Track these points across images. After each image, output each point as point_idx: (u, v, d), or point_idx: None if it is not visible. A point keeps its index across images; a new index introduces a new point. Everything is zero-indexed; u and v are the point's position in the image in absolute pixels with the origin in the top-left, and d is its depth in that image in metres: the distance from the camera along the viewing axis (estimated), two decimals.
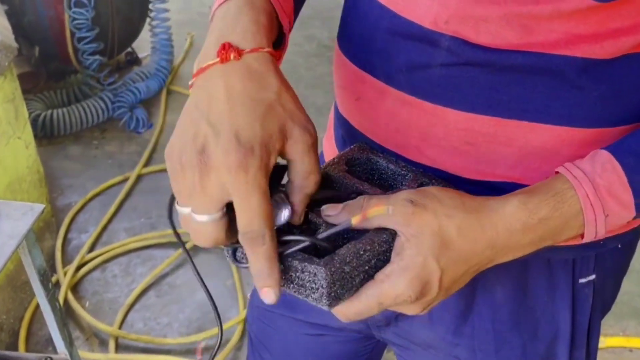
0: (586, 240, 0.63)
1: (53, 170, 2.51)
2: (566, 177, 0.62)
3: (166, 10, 2.88)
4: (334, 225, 0.61)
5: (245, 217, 0.54)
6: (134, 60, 3.13)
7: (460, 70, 0.65)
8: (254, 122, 0.54)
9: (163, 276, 2.16)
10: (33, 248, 1.18)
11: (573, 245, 0.69)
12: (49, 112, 2.62)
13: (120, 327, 1.97)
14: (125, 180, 2.50)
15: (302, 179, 0.58)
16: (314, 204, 0.63)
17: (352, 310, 0.60)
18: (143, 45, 3.12)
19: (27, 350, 1.89)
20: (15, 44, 1.94)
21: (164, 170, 2.53)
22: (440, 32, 0.64)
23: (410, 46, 0.67)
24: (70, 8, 2.55)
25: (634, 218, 0.63)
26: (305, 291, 0.58)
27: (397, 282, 0.58)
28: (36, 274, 1.21)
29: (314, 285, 0.57)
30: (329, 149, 0.88)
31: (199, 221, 0.55)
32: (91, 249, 2.22)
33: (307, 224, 0.62)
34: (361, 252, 0.59)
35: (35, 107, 2.61)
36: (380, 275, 0.59)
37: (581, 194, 0.61)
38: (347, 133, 0.80)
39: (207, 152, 0.53)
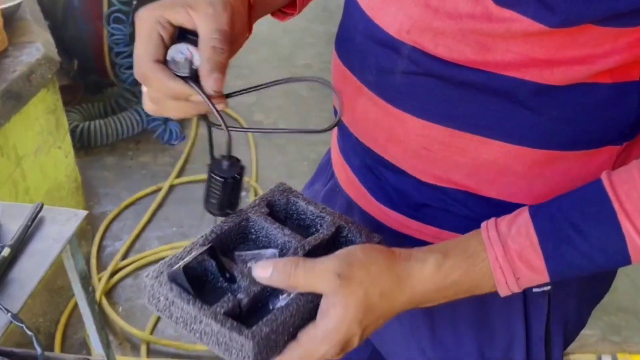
0: (504, 295, 0.66)
1: (89, 179, 2.57)
2: (482, 236, 0.66)
3: None
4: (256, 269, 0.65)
5: (135, 62, 0.64)
6: None
7: (419, 80, 0.69)
8: None
9: None
10: (76, 252, 1.24)
11: None
12: (87, 123, 2.68)
13: (151, 333, 2.02)
14: (158, 190, 2.55)
15: (205, 35, 0.63)
16: (236, 255, 0.69)
17: None
18: None
19: (62, 352, 1.94)
20: (58, 58, 1.99)
21: (197, 181, 2.59)
22: (402, 40, 0.68)
23: (379, 51, 0.71)
24: (109, 24, 2.62)
25: (552, 281, 0.65)
26: (231, 355, 0.62)
27: (321, 346, 0.63)
28: (78, 277, 1.26)
29: (240, 353, 0.61)
30: (335, 144, 0.92)
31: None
32: (125, 257, 2.27)
33: (231, 277, 0.66)
34: (287, 319, 0.63)
35: (73, 118, 2.68)
36: (303, 338, 0.64)
37: (491, 257, 0.64)
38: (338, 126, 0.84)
39: None
